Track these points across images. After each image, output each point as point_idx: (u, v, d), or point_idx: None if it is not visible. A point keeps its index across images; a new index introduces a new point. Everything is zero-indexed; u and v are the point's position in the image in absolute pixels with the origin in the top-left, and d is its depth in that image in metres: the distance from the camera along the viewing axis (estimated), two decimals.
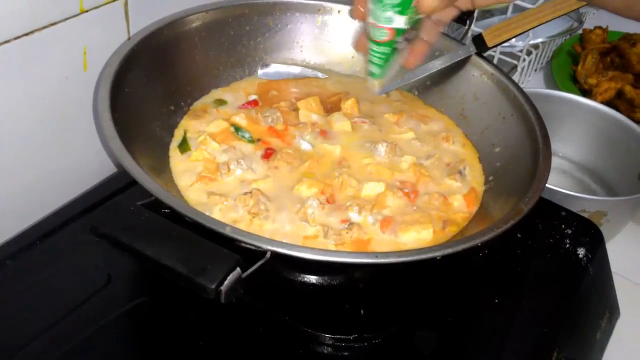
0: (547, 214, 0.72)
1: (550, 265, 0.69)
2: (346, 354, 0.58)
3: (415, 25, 0.62)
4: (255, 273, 0.48)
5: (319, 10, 0.80)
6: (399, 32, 0.60)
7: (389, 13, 0.58)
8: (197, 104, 0.73)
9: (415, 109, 0.78)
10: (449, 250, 0.51)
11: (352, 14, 0.65)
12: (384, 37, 0.61)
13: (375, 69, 0.67)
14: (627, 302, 0.76)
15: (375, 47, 0.64)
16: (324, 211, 0.62)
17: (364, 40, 0.66)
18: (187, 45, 0.73)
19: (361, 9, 0.63)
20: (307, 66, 0.81)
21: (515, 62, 1.07)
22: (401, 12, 0.58)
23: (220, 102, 0.74)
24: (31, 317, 0.56)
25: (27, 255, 0.61)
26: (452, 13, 0.65)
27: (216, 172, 0.65)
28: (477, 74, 0.75)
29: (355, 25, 0.80)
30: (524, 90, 0.72)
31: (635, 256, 0.87)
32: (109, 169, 0.75)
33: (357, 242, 0.60)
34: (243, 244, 0.49)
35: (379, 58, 0.65)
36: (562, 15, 0.73)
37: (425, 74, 0.76)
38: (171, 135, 0.69)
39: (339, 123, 0.72)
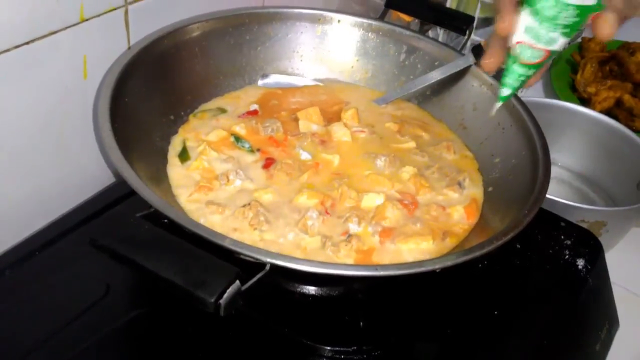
0: (546, 224, 0.72)
1: (550, 276, 0.69)
2: None
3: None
4: (254, 285, 0.48)
5: (319, 19, 0.80)
6: (552, 54, 0.53)
7: (555, 34, 0.50)
8: (197, 114, 0.73)
9: (416, 118, 0.78)
10: (448, 263, 0.51)
11: (499, 29, 0.53)
12: (537, 59, 0.52)
13: (508, 92, 0.56)
14: (626, 313, 0.75)
15: (519, 69, 0.54)
16: (323, 222, 0.62)
17: (496, 58, 0.57)
18: (187, 54, 0.73)
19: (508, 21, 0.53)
20: (307, 76, 0.81)
21: None
22: (568, 34, 0.51)
23: (220, 112, 0.74)
24: (30, 328, 0.56)
25: (26, 265, 0.61)
26: None
27: (215, 181, 0.65)
28: (477, 84, 0.75)
29: (354, 34, 0.81)
30: (523, 100, 0.72)
31: (635, 266, 0.87)
32: (109, 177, 0.75)
33: (357, 253, 0.60)
34: (242, 256, 0.49)
35: (520, 80, 0.55)
36: None
37: (425, 84, 0.76)
38: (171, 144, 0.69)
39: (339, 133, 0.72)
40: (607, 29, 0.51)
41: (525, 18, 0.51)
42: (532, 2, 0.50)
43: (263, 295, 0.51)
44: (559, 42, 0.51)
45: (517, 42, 0.52)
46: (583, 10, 0.49)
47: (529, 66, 0.54)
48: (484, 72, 0.74)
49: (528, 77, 0.55)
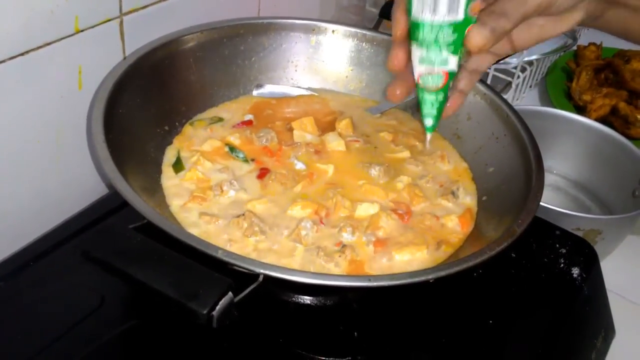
0: (541, 233, 0.72)
1: (545, 285, 0.69)
2: None
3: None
4: (247, 296, 0.48)
5: (313, 30, 0.80)
6: (451, 75, 0.59)
7: (445, 53, 0.57)
8: (193, 123, 0.74)
9: (410, 128, 0.78)
10: (442, 273, 0.52)
11: (389, 67, 0.60)
12: (440, 82, 0.59)
13: (429, 122, 0.61)
14: (622, 320, 0.75)
15: (428, 97, 0.60)
16: (317, 232, 0.62)
17: (396, 88, 0.62)
18: (182, 65, 0.73)
19: (396, 62, 0.59)
20: (301, 85, 0.81)
21: (509, 79, 1.07)
22: (455, 51, 0.57)
23: (215, 122, 0.75)
24: (25, 339, 0.56)
25: (20, 276, 0.61)
26: (489, 61, 0.63)
27: (209, 192, 0.65)
28: (471, 94, 0.75)
29: (348, 44, 0.81)
30: (518, 108, 0.73)
31: (630, 274, 0.87)
32: (103, 188, 0.75)
33: (351, 263, 0.60)
34: (236, 267, 0.49)
35: (433, 107, 0.61)
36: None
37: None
38: (165, 155, 0.69)
39: (333, 143, 0.72)
40: (476, 39, 0.55)
41: (416, 51, 0.57)
42: (414, 36, 0.56)
43: (257, 306, 0.51)
44: (451, 61, 0.57)
45: (419, 75, 0.59)
46: (456, 27, 0.55)
47: (436, 92, 0.60)
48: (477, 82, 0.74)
49: (440, 102, 0.60)
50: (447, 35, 0.56)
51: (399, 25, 0.57)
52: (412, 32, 0.57)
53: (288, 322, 0.61)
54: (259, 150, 0.71)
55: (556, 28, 0.57)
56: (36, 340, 0.55)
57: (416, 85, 0.60)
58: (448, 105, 0.61)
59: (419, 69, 0.58)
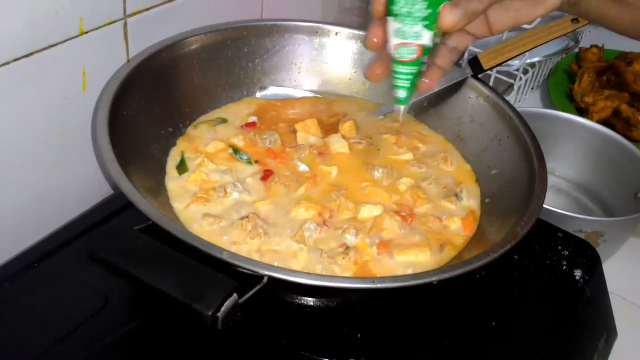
0: (544, 235, 0.72)
1: (547, 287, 0.69)
2: None
3: (435, 48, 0.61)
4: (252, 298, 0.49)
5: (317, 32, 0.80)
6: (425, 50, 0.60)
7: (418, 27, 0.58)
8: (196, 126, 0.74)
9: (413, 130, 0.78)
10: (445, 276, 0.52)
11: (368, 45, 0.63)
12: (413, 55, 0.60)
13: (402, 93, 0.63)
14: (624, 322, 0.75)
15: (401, 69, 0.61)
16: (321, 234, 0.62)
17: (376, 68, 0.64)
18: (186, 67, 0.73)
19: (375, 39, 0.61)
20: (305, 88, 0.82)
21: (512, 81, 1.07)
22: (428, 27, 0.58)
23: (219, 124, 0.75)
24: (29, 340, 0.56)
25: (25, 277, 0.61)
26: (467, 42, 0.64)
27: (213, 193, 0.65)
28: (474, 96, 0.75)
29: (352, 47, 0.81)
30: (520, 111, 0.73)
31: (633, 276, 0.87)
32: (108, 189, 0.75)
33: (354, 264, 0.60)
34: (240, 269, 0.50)
35: (406, 80, 0.62)
36: (557, 37, 0.74)
37: (423, 96, 0.77)
38: (169, 157, 0.69)
39: (337, 145, 0.73)
40: (448, 18, 0.56)
41: (391, 25, 0.59)
42: (390, 11, 0.58)
43: (261, 308, 0.52)
44: (425, 36, 0.58)
45: (393, 46, 0.60)
46: (431, 3, 0.56)
47: (409, 64, 0.61)
48: (480, 84, 0.75)
49: (414, 75, 0.62)
50: (421, 10, 0.57)
51: (379, 0, 0.59)
52: (389, 6, 0.59)
53: (292, 324, 0.61)
54: (263, 152, 0.71)
55: (533, 12, 0.58)
56: (40, 340, 0.56)
57: (391, 58, 0.61)
58: (426, 80, 0.63)
59: (394, 41, 0.60)
